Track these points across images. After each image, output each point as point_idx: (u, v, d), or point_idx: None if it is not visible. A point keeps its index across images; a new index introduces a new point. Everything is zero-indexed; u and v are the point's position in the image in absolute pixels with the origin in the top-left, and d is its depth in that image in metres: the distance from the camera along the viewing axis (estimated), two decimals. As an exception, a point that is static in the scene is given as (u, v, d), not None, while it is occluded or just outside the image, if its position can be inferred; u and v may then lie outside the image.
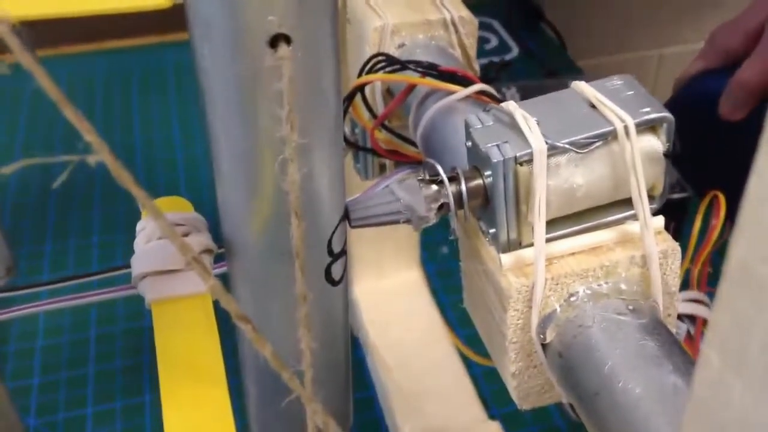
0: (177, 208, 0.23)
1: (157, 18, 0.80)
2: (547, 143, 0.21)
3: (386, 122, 0.31)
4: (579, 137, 0.22)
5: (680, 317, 0.39)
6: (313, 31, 0.17)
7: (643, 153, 0.22)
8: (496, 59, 0.72)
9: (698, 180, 0.48)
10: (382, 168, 0.38)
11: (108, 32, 0.82)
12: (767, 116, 0.11)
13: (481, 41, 0.76)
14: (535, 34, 0.81)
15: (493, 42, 0.76)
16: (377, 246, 0.50)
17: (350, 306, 0.36)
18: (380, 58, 0.30)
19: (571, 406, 0.42)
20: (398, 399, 0.45)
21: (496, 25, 0.78)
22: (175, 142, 0.69)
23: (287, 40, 0.17)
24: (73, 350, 0.51)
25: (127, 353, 0.51)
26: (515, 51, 0.74)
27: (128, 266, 0.24)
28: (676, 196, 0.49)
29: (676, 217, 0.48)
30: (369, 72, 0.30)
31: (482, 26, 0.30)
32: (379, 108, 0.32)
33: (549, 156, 0.21)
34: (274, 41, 0.17)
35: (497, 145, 0.22)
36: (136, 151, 0.67)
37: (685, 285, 0.42)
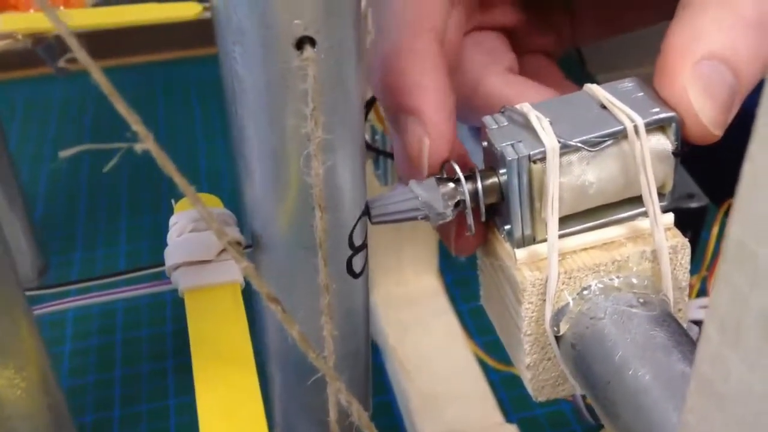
0: (207, 204, 0.24)
1: (182, 33, 0.82)
2: (559, 142, 0.22)
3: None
4: (590, 136, 0.23)
5: (695, 323, 0.40)
6: (337, 34, 0.18)
7: (652, 152, 0.23)
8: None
9: (715, 189, 0.48)
10: (402, 174, 0.39)
11: (134, 48, 0.84)
12: (759, 103, 0.12)
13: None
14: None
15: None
16: (396, 253, 0.51)
17: (370, 311, 0.37)
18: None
19: (588, 409, 0.43)
20: (417, 403, 0.46)
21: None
22: (200, 153, 0.70)
23: (312, 42, 0.18)
24: (100, 354, 0.52)
25: (153, 358, 0.52)
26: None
27: (155, 266, 0.25)
28: (693, 205, 0.50)
29: (693, 226, 0.48)
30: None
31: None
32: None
33: (561, 154, 0.22)
34: (300, 43, 0.18)
35: (512, 144, 0.23)
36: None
37: (702, 293, 0.43)
